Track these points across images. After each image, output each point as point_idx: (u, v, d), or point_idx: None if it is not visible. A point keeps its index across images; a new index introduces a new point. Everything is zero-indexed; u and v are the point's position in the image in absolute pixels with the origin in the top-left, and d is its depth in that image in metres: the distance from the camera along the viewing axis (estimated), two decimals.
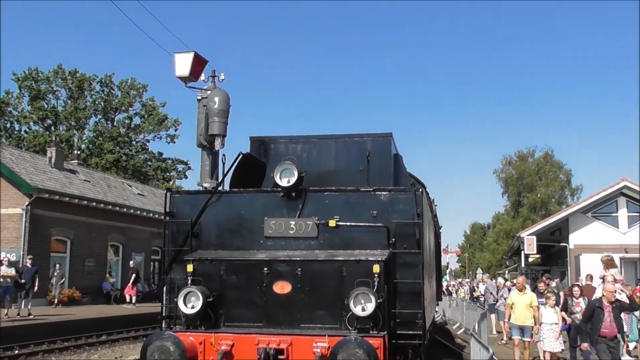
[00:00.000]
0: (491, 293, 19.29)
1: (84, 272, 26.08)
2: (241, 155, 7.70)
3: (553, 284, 13.64)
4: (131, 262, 25.66)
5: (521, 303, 11.95)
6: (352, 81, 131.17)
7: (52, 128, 46.98)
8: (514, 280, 15.55)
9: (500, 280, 20.72)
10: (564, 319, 11.76)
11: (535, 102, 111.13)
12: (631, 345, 12.66)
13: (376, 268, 6.25)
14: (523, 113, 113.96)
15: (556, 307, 11.63)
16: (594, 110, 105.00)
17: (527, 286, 12.83)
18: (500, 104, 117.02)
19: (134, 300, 24.37)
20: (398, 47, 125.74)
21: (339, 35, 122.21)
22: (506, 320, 13.11)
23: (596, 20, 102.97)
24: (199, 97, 11.82)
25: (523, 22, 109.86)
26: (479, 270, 54.59)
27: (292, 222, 6.92)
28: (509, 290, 16.15)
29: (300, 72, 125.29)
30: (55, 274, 23.00)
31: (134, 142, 49.88)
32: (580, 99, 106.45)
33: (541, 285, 14.04)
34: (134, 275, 24.87)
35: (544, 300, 11.96)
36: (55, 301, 22.62)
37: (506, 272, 41.76)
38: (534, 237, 29.03)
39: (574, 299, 12.08)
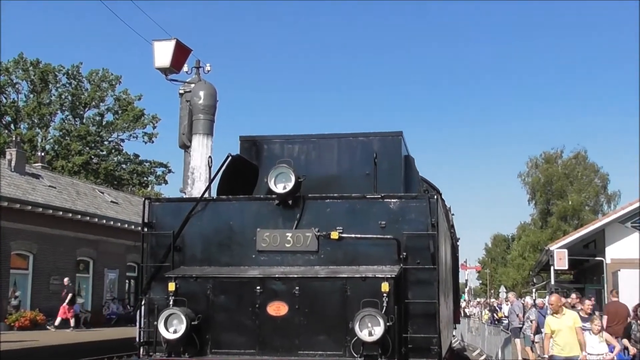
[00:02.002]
0: (517, 315, 19.29)
1: (49, 291, 26.03)
2: (230, 158, 7.72)
3: (588, 303, 13.28)
4: (65, 280, 24.56)
5: (564, 327, 10.90)
6: (356, 74, 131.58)
7: (12, 126, 47.04)
8: (571, 299, 14.67)
9: (527, 299, 20.67)
10: (626, 348, 11.38)
11: (565, 97, 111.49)
12: None
13: (385, 286, 6.26)
14: (552, 109, 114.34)
15: (602, 332, 11.37)
16: (634, 106, 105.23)
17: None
18: (525, 98, 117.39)
19: (72, 324, 24.04)
20: (410, 39, 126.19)
21: (345, 24, 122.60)
22: (546, 355, 11.73)
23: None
24: (182, 91, 11.89)
25: (550, 11, 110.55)
26: (502, 289, 54.57)
27: (289, 234, 6.92)
28: (543, 311, 15.94)
29: (298, 63, 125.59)
30: (17, 294, 22.97)
31: (106, 142, 49.99)
32: (618, 93, 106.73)
33: (586, 306, 12.90)
34: (69, 295, 24.10)
35: (588, 325, 11.34)
36: (17, 325, 22.61)
37: (533, 290, 41.68)
38: (565, 251, 28.97)
39: None
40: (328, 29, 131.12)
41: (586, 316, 12.35)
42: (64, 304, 24.09)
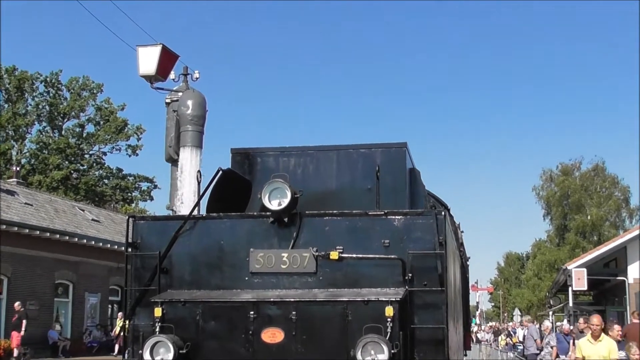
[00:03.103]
0: (535, 340, 19.20)
1: (25, 317, 25.93)
2: (221, 172, 7.73)
3: (617, 329, 12.85)
4: (16, 304, 23.70)
5: (598, 356, 10.53)
6: (357, 81, 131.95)
7: None
8: (579, 323, 14.28)
9: (546, 323, 20.57)
10: None
11: (582, 106, 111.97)
12: None
13: (389, 310, 6.25)
14: (566, 118, 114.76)
15: None
16: None
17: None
18: (539, 108, 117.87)
19: (15, 354, 23.29)
20: (416, 44, 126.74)
21: (344, 29, 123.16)
22: None
23: None
24: (168, 100, 11.91)
25: (565, 16, 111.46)
26: (517, 311, 54.47)
27: (285, 255, 6.92)
28: (569, 337, 15.74)
29: (294, 71, 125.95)
30: None
31: (86, 155, 50.03)
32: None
33: (615, 333, 12.29)
34: (24, 322, 23.16)
35: (624, 354, 11.03)
36: None
37: (550, 313, 41.61)
38: (584, 270, 28.95)
39: None
40: (326, 34, 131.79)
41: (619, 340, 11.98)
42: (20, 332, 23.10)
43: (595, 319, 11.13)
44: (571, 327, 18.52)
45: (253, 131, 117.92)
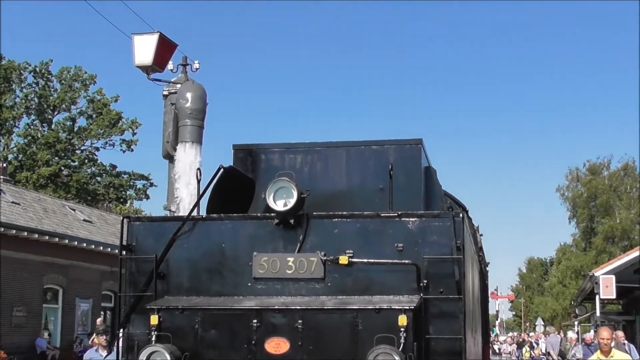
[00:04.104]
0: (552, 351, 19.18)
1: (11, 324, 26.02)
2: (222, 170, 7.74)
3: None
4: None
5: None
6: (370, 74, 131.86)
7: None
8: (586, 336, 14.57)
9: (570, 334, 20.55)
10: None
11: (611, 100, 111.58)
12: None
13: (402, 320, 6.26)
14: (594, 113, 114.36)
15: None
16: None
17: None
18: (564, 102, 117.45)
19: None
20: (434, 37, 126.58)
21: (357, 20, 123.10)
22: None
23: None
24: (166, 93, 11.94)
25: (590, 13, 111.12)
26: (539, 321, 54.37)
27: (290, 259, 6.93)
28: (593, 347, 15.76)
29: (301, 62, 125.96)
30: None
31: (78, 151, 50.14)
32: None
33: None
34: None
35: None
36: None
37: (576, 323, 41.52)
38: (612, 277, 28.81)
39: None
40: (337, 23, 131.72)
41: None
42: None
43: (605, 332, 10.88)
44: (593, 338, 18.47)
45: (257, 126, 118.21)
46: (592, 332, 25.02)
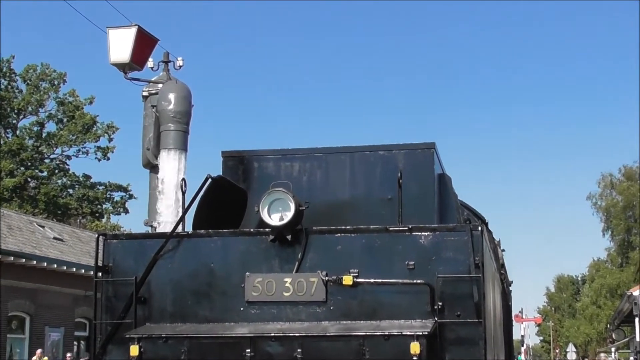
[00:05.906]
0: None
1: None
2: (210, 180, 7.76)
3: None
4: None
5: None
6: (380, 72, 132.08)
7: None
8: None
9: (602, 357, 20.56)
10: None
11: None
12: None
13: (415, 347, 6.27)
14: (630, 113, 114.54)
15: None
16: None
17: None
18: (597, 102, 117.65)
19: None
20: (454, 32, 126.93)
21: (358, 18, 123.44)
22: None
23: None
24: (146, 93, 11.98)
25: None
26: (570, 347, 54.21)
27: (288, 280, 6.95)
28: None
29: (297, 59, 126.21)
30: None
31: (47, 160, 50.14)
32: None
33: None
34: None
35: None
36: None
37: (613, 350, 41.45)
38: None
39: None
40: (337, 20, 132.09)
41: None
42: None
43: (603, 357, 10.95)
44: None
45: (249, 131, 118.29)
46: (631, 359, 25.01)
